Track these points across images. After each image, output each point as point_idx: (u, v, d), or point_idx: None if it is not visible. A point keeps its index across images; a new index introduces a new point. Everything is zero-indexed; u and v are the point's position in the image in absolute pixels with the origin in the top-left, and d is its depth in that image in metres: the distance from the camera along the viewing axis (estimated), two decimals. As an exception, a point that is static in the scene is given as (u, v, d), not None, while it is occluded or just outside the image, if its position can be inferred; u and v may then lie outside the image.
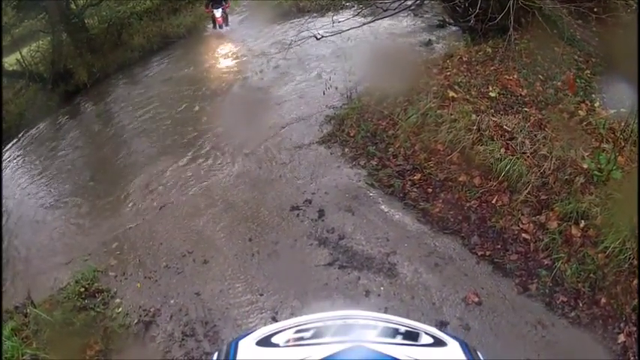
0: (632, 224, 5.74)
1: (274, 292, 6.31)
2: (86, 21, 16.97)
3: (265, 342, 1.78)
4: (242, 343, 1.79)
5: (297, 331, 1.80)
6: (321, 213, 7.32)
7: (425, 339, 1.80)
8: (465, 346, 1.81)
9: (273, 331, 1.84)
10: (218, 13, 17.23)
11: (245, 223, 7.52)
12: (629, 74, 8.97)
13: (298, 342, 1.74)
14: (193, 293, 6.63)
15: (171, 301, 6.64)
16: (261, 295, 6.34)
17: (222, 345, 1.78)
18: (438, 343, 1.81)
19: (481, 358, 1.82)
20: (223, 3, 17.34)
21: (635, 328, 5.35)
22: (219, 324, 6.17)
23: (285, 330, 1.84)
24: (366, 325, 1.83)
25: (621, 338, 5.30)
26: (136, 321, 6.53)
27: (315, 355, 1.58)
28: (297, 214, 7.39)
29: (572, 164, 6.68)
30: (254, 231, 7.32)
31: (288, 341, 1.76)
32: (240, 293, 6.46)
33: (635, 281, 5.54)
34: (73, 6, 16.73)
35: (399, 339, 1.75)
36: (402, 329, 1.83)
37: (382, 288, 6.15)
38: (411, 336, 1.80)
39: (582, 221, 6.16)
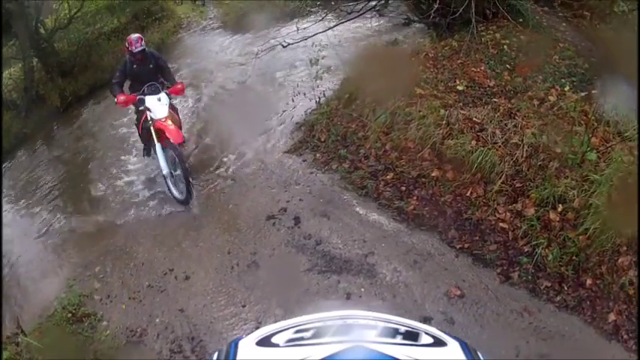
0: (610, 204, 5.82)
1: (256, 303, 6.34)
2: (56, 45, 16.87)
3: (265, 342, 1.80)
4: (242, 343, 1.82)
5: (297, 331, 1.83)
6: (297, 220, 7.33)
7: (425, 339, 1.82)
8: (465, 346, 1.83)
9: (273, 331, 1.86)
10: (161, 110, 8.81)
11: (222, 236, 7.54)
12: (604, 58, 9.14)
13: (298, 342, 1.74)
14: (177, 310, 6.64)
15: (157, 320, 6.66)
16: (244, 306, 6.37)
17: (222, 345, 1.75)
18: (438, 343, 1.83)
19: (481, 358, 1.84)
20: (165, 84, 9.41)
21: (625, 306, 5.39)
22: (205, 338, 6.19)
23: (285, 330, 1.85)
24: (366, 325, 1.85)
25: (612, 317, 5.37)
26: (124, 342, 6.54)
27: (315, 355, 1.59)
28: (274, 223, 7.39)
29: (544, 150, 6.73)
30: (232, 243, 7.33)
31: (288, 341, 1.75)
32: (223, 306, 6.49)
33: (621, 259, 5.60)
34: (42, 30, 16.66)
35: (399, 339, 1.78)
36: (402, 329, 1.85)
37: (363, 289, 6.18)
38: (411, 336, 1.82)
39: (560, 205, 6.22)
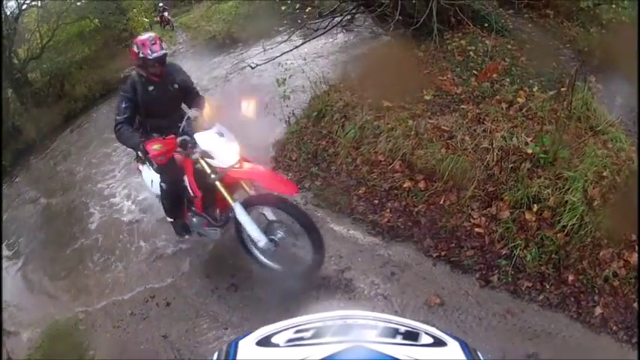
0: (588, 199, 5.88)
1: (238, 325, 6.33)
2: (29, 75, 16.90)
3: (265, 342, 1.76)
4: (242, 343, 1.78)
5: (297, 331, 1.79)
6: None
7: (425, 339, 1.80)
8: (465, 346, 1.82)
9: (273, 331, 1.84)
10: (231, 150, 6.04)
11: (201, 261, 7.54)
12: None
13: (298, 342, 1.74)
14: (161, 336, 6.62)
15: (142, 347, 6.63)
16: (226, 329, 6.37)
17: (222, 345, 1.75)
18: (438, 343, 1.81)
19: (481, 358, 1.83)
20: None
21: (611, 298, 5.46)
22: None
23: (285, 330, 1.84)
24: (366, 325, 1.83)
25: (598, 310, 5.42)
26: (111, 370, 6.51)
27: (315, 355, 1.55)
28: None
29: (515, 152, 6.81)
30: (211, 268, 7.34)
31: (288, 341, 1.75)
32: (205, 330, 6.48)
33: (602, 252, 5.70)
34: (15, 60, 16.66)
35: (399, 339, 1.75)
36: (402, 329, 1.83)
37: (342, 305, 6.16)
38: (411, 336, 1.80)
39: (535, 205, 6.28)
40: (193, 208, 6.72)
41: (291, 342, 1.72)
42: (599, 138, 6.86)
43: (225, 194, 5.98)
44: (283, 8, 11.93)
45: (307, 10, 10.81)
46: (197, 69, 15.08)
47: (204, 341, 6.34)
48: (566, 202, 6.04)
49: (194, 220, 6.84)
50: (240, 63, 11.05)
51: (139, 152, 5.99)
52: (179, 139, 6.02)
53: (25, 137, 15.18)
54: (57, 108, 16.07)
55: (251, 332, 1.79)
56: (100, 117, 15.25)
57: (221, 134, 5.99)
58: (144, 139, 5.94)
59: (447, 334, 1.84)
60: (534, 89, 8.14)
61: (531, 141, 6.84)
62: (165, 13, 22.24)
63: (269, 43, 11.06)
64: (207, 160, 6.03)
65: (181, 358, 6.25)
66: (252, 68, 10.05)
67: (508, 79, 8.53)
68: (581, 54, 9.79)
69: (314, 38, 10.41)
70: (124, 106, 6.13)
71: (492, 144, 6.91)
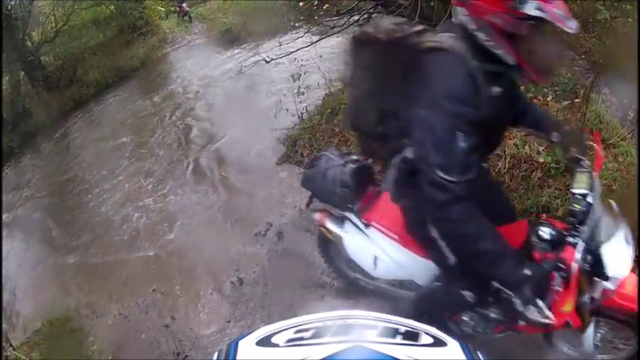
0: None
1: (241, 319, 6.32)
2: (42, 58, 16.91)
3: (265, 342, 1.75)
4: (242, 343, 1.78)
5: (297, 331, 1.79)
6: (280, 235, 7.31)
7: (425, 339, 1.79)
8: (465, 346, 1.81)
9: (273, 331, 1.83)
10: (626, 259, 3.25)
11: (206, 254, 7.56)
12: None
13: (298, 342, 1.73)
14: (163, 326, 6.63)
15: (143, 336, 6.64)
16: (228, 322, 6.34)
17: (222, 345, 1.75)
18: (438, 343, 1.80)
19: (481, 358, 1.82)
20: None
21: None
22: (191, 354, 6.18)
23: (285, 330, 1.83)
24: (366, 325, 1.82)
25: None
26: (110, 357, 6.56)
27: (315, 355, 1.55)
28: (258, 239, 7.38)
29: (527, 160, 6.75)
30: (215, 261, 7.33)
31: (288, 341, 1.75)
32: (208, 322, 6.47)
33: None
34: (29, 43, 16.67)
35: (398, 339, 1.74)
36: (402, 329, 1.82)
37: (347, 303, 6.05)
38: (411, 336, 1.79)
39: (544, 215, 6.19)
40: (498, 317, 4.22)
41: (291, 342, 1.71)
42: (610, 151, 6.80)
43: (587, 315, 3.69)
44: (301, 4, 11.88)
45: (325, 7, 10.74)
46: (211, 60, 15.11)
47: (206, 334, 6.35)
48: (575, 213, 6.00)
49: (473, 322, 4.39)
50: (254, 56, 11.00)
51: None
52: (576, 262, 3.24)
53: (35, 120, 15.20)
54: (68, 92, 16.06)
55: (251, 332, 1.78)
56: (114, 107, 15.29)
57: (628, 241, 3.47)
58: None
59: (447, 334, 1.83)
60: (548, 99, 8.07)
61: (543, 150, 6.78)
62: (184, 4, 22.34)
63: (285, 39, 11.05)
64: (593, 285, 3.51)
65: (182, 349, 6.25)
66: (267, 62, 9.98)
67: (522, 87, 8.50)
68: (596, 66, 9.74)
69: (330, 35, 10.38)
70: (463, 145, 2.72)
71: (505, 151, 6.85)
